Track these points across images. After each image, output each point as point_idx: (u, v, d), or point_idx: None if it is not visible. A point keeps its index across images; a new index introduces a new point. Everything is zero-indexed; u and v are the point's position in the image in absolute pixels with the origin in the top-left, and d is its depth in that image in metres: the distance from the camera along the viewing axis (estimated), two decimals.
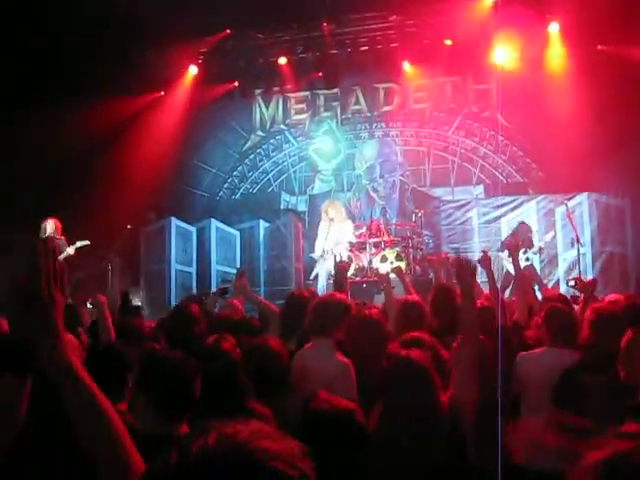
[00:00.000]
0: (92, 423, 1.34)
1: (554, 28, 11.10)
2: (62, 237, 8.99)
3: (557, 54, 11.23)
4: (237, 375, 2.58)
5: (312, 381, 3.31)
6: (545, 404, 3.37)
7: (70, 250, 8.79)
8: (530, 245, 9.98)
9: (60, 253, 8.80)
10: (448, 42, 11.82)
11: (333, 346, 3.52)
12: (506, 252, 9.90)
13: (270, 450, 0.91)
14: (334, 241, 9.87)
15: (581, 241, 9.18)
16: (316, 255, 10.28)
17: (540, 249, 10.04)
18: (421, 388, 2.56)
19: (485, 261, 4.76)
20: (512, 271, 9.46)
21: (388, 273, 5.74)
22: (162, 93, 12.75)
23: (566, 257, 10.23)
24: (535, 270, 9.94)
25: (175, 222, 11.48)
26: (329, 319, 3.60)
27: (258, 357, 3.06)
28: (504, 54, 11.76)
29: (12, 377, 1.54)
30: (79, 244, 8.85)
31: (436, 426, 2.55)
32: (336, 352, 3.49)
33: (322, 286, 9.84)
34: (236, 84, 13.24)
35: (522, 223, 10.40)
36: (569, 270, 9.85)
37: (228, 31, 11.78)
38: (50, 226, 8.99)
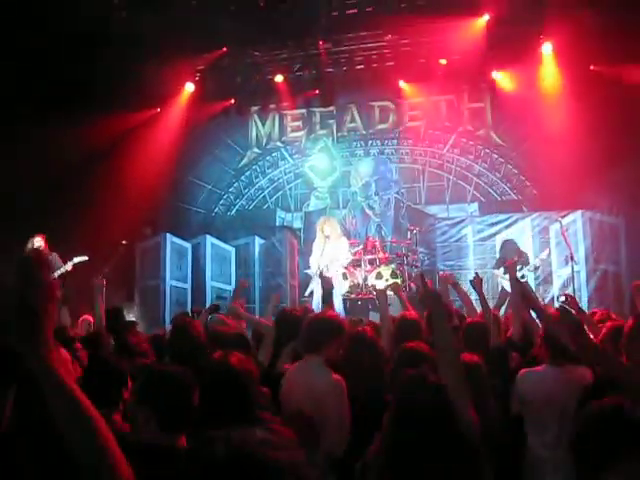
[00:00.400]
0: (77, 431, 1.35)
1: (547, 48, 11.23)
2: (54, 253, 8.96)
3: (550, 73, 11.35)
4: (246, 387, 2.60)
5: (301, 398, 3.30)
6: (548, 422, 3.36)
7: (68, 266, 8.76)
8: (526, 263, 10.02)
9: (56, 269, 8.79)
10: (443, 61, 11.95)
11: (324, 363, 3.51)
12: (501, 269, 9.95)
13: (277, 459, 0.94)
14: (330, 258, 9.87)
15: (575, 259, 9.21)
16: (311, 272, 10.27)
17: (535, 267, 10.08)
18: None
19: (477, 282, 4.77)
20: (508, 288, 9.55)
21: (385, 289, 5.75)
22: (158, 110, 12.80)
23: (560, 275, 10.26)
24: (530, 288, 9.96)
25: (170, 238, 11.47)
26: (321, 337, 3.59)
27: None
28: (498, 73, 11.90)
29: None
30: (77, 260, 8.81)
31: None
32: (328, 370, 3.47)
33: (317, 303, 9.82)
34: (232, 101, 13.31)
35: (506, 241, 10.47)
36: (563, 287, 9.86)
37: (225, 49, 11.85)
38: (37, 243, 8.94)
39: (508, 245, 10.36)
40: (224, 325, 4.99)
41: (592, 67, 10.84)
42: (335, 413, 3.23)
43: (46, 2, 8.68)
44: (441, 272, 10.25)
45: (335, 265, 9.82)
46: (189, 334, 3.74)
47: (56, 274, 8.77)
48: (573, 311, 5.01)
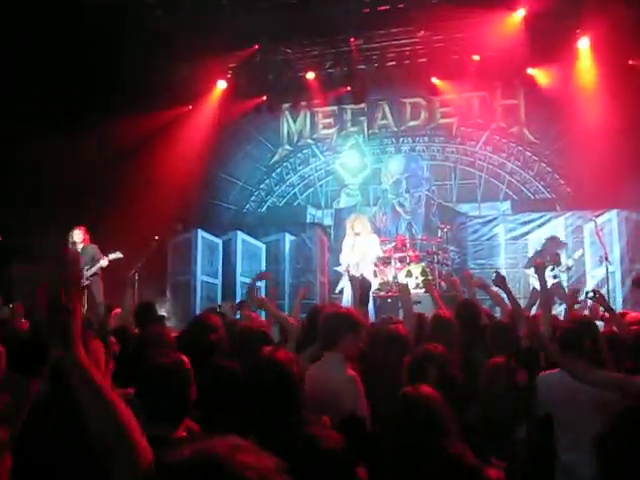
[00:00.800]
0: (102, 417, 1.53)
1: (584, 43, 11.00)
2: (92, 244, 9.15)
3: (587, 69, 11.12)
4: (292, 386, 2.57)
5: (320, 395, 3.31)
6: (576, 423, 3.31)
7: (104, 262, 8.96)
8: (557, 262, 9.83)
9: (94, 261, 8.99)
10: (476, 57, 11.80)
11: (343, 360, 3.50)
12: (532, 269, 9.79)
13: (246, 463, 0.92)
14: (360, 256, 9.85)
15: (610, 259, 9.01)
16: (341, 269, 10.26)
17: (568, 267, 9.89)
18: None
19: (499, 281, 4.71)
20: (539, 288, 9.41)
21: (407, 285, 5.72)
22: (190, 107, 12.94)
23: (594, 275, 10.05)
24: (562, 288, 9.80)
25: (202, 234, 11.59)
26: (335, 332, 3.59)
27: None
28: (532, 69, 11.70)
29: (21, 376, 1.72)
30: (112, 256, 9.01)
31: None
32: (344, 365, 3.47)
33: (347, 300, 9.82)
34: (264, 98, 13.37)
35: (552, 237, 10.25)
36: (597, 288, 9.65)
37: (257, 46, 11.90)
38: (77, 234, 9.16)
39: (553, 242, 10.15)
40: (249, 321, 5.03)
41: (630, 62, 10.60)
42: (349, 408, 3.23)
43: (79, 16, 8.80)
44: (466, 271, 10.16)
45: (365, 263, 9.79)
46: (203, 330, 3.74)
47: (94, 269, 8.97)
48: (602, 308, 4.92)
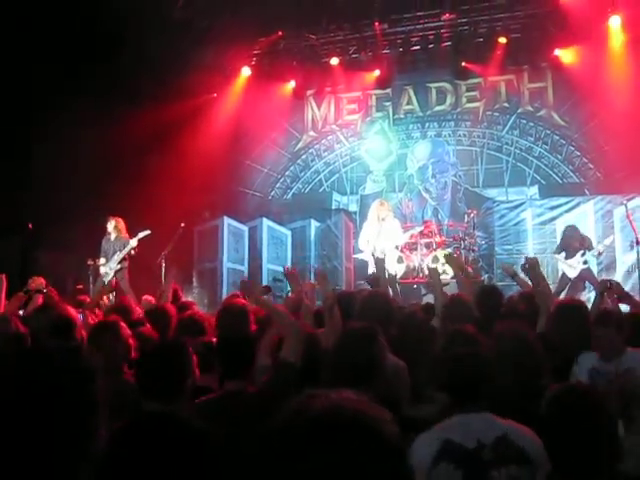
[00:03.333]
0: None
1: (615, 22, 10.72)
2: (126, 234, 9.29)
3: (618, 49, 10.85)
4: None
5: None
6: None
7: (133, 242, 9.11)
8: (589, 247, 9.66)
9: (124, 248, 9.13)
10: (502, 40, 11.60)
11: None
12: (562, 254, 9.66)
13: (379, 414, 1.03)
14: (386, 241, 9.78)
15: None
16: (363, 256, 10.08)
17: (599, 253, 9.73)
18: None
19: (530, 265, 4.65)
20: (569, 274, 9.29)
21: (436, 268, 5.72)
22: (215, 95, 12.98)
23: (625, 261, 9.88)
24: (592, 273, 9.65)
25: (227, 221, 11.67)
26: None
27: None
28: (561, 51, 11.47)
29: None
30: (141, 235, 9.15)
31: None
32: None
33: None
34: (288, 84, 13.35)
35: (568, 227, 10.08)
36: (627, 274, 9.51)
37: (280, 33, 11.87)
38: (113, 223, 9.30)
39: (569, 231, 10.02)
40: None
41: None
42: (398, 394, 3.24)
43: (107, 4, 8.85)
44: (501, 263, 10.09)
45: (391, 247, 9.74)
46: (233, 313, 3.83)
47: (124, 251, 9.12)
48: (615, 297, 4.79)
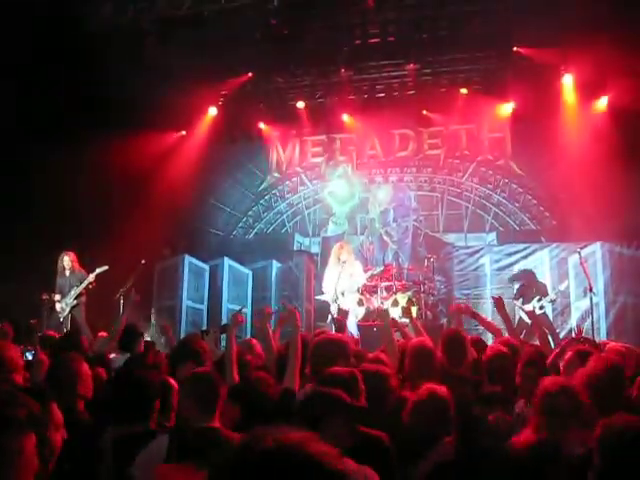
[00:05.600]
0: None
1: (567, 80, 11.29)
2: (81, 269, 9.16)
3: (571, 104, 11.39)
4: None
5: None
6: None
7: (91, 277, 8.99)
8: (544, 293, 9.94)
9: (81, 282, 9.00)
10: (464, 91, 12.05)
11: None
12: (520, 300, 9.88)
13: (322, 452, 1.03)
14: (347, 284, 9.82)
15: (594, 290, 9.10)
16: (326, 298, 10.09)
17: (552, 299, 9.98)
18: None
19: (498, 304, 4.73)
20: (526, 319, 9.47)
21: (387, 309, 5.73)
22: (184, 132, 13.03)
23: (579, 306, 10.14)
24: (549, 319, 9.88)
25: (189, 259, 11.56)
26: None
27: None
28: (518, 104, 11.94)
29: None
30: (98, 270, 9.11)
31: None
32: None
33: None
34: (254, 126, 13.49)
35: (526, 270, 10.37)
36: (582, 319, 9.75)
37: (250, 74, 12.05)
38: (67, 259, 9.16)
39: (526, 278, 10.29)
40: (250, 349, 4.98)
41: (609, 97, 10.90)
42: None
43: (79, 39, 8.90)
44: (454, 303, 10.18)
45: (351, 291, 9.79)
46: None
47: (82, 286, 8.98)
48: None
